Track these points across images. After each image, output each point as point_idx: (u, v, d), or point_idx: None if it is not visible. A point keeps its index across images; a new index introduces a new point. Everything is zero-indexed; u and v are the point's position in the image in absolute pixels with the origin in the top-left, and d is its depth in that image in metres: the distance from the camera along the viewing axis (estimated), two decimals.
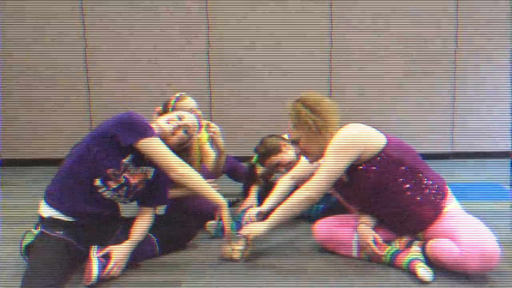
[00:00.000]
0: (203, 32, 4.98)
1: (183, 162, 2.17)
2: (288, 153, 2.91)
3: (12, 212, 3.23)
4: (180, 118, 2.38)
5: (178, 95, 2.89)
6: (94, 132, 2.14)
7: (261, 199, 2.92)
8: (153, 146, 2.10)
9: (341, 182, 2.23)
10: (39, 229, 2.08)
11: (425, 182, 2.14)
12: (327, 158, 2.15)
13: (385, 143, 2.14)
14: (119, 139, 2.05)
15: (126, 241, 2.18)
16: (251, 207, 2.70)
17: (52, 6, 4.90)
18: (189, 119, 2.41)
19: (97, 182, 2.10)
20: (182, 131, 2.36)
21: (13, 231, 2.75)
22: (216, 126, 2.86)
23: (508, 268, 2.15)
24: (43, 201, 2.14)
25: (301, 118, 2.20)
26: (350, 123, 2.20)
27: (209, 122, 2.92)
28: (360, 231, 2.23)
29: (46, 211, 2.11)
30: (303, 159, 3.01)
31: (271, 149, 2.89)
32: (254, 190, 2.97)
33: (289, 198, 2.26)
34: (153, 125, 2.24)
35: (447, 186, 2.22)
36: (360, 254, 2.26)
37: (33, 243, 2.04)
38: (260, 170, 3.04)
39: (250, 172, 3.06)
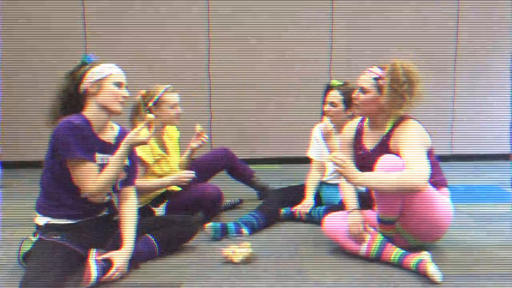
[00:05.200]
0: (204, 31, 4.98)
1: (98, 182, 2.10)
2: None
3: (13, 215, 3.23)
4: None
5: (168, 87, 2.91)
6: (48, 151, 2.16)
7: (317, 200, 3.03)
8: (76, 168, 2.08)
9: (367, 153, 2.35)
10: (37, 236, 2.11)
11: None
12: (414, 146, 2.14)
13: (430, 146, 2.26)
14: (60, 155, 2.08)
15: (124, 244, 2.19)
16: (307, 207, 2.91)
17: (53, 6, 4.90)
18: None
19: (83, 194, 2.15)
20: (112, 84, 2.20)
21: (14, 233, 2.76)
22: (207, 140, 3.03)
23: (509, 271, 2.16)
24: (36, 212, 2.18)
25: (395, 81, 2.19)
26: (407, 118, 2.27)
27: (202, 130, 2.99)
28: (350, 216, 2.30)
29: (42, 219, 2.15)
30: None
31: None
32: (310, 191, 3.02)
33: (393, 177, 2.06)
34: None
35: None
36: (368, 252, 2.26)
37: (31, 250, 2.08)
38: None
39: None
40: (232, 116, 5.04)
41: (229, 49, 5.00)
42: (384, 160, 2.13)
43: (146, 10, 4.94)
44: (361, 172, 2.17)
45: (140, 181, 2.79)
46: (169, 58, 4.99)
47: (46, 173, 2.17)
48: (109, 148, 2.22)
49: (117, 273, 2.10)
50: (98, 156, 2.17)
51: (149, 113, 2.83)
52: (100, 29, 4.95)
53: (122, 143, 2.14)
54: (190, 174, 2.78)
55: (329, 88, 3.02)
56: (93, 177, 2.10)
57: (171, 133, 3.11)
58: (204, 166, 3.28)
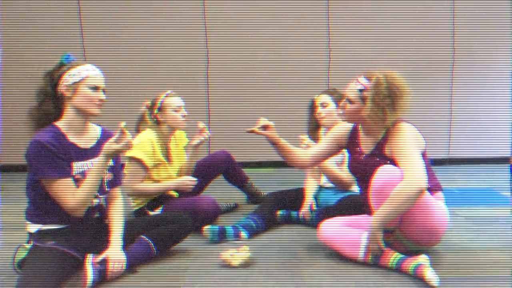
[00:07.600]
0: (202, 33, 4.99)
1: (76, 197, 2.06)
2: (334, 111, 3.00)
3: (12, 218, 3.24)
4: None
5: (169, 92, 3.01)
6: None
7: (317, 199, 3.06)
8: (50, 187, 2.05)
9: (360, 159, 2.38)
10: (31, 243, 2.12)
11: None
12: (407, 149, 2.16)
13: (423, 148, 2.28)
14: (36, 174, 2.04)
15: (111, 237, 2.21)
16: (310, 206, 2.97)
17: (51, 8, 4.91)
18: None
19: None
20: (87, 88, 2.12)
21: (14, 236, 2.76)
22: (209, 133, 3.08)
23: (507, 273, 2.17)
24: (26, 221, 2.18)
25: (378, 94, 2.20)
26: (398, 121, 2.27)
27: (204, 126, 3.05)
28: (371, 234, 2.22)
29: (33, 226, 2.15)
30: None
31: (340, 95, 2.96)
32: (309, 192, 3.06)
33: (396, 195, 2.08)
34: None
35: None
36: (366, 257, 2.26)
37: (26, 258, 2.09)
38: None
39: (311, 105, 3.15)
40: (229, 119, 5.05)
41: (227, 53, 5.01)
42: (381, 173, 2.15)
43: (143, 12, 4.95)
44: (372, 220, 2.19)
45: (143, 185, 2.81)
46: (167, 61, 5.00)
47: (29, 186, 2.13)
48: (88, 154, 2.18)
49: (116, 264, 2.13)
50: (76, 164, 2.13)
51: (155, 120, 2.93)
52: (98, 30, 4.96)
53: (100, 154, 2.10)
54: (193, 180, 2.85)
55: (314, 101, 3.10)
56: (69, 192, 2.05)
57: (179, 139, 3.13)
58: (204, 169, 3.29)
